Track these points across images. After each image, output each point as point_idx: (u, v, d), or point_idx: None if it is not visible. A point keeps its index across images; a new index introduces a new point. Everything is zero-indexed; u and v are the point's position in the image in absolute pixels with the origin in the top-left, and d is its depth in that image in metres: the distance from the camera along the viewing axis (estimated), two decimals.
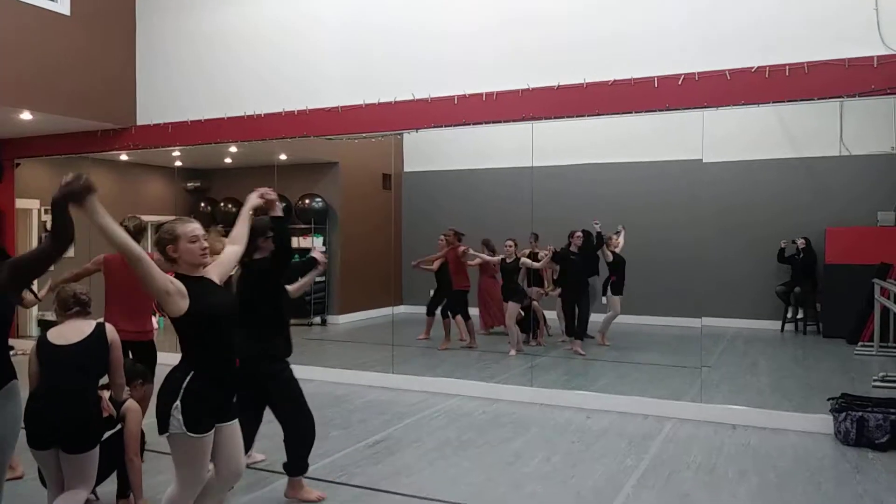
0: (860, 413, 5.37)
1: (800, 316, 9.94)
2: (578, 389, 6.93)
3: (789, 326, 9.94)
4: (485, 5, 7.25)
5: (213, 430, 2.98)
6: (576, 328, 8.76)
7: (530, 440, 5.56)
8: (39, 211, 10.43)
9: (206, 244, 3.03)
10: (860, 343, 8.85)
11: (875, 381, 6.97)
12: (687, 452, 5.25)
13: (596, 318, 9.05)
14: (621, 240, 9.19)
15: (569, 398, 6.68)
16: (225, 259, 3.26)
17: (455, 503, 4.30)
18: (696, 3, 6.37)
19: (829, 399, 5.87)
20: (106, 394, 3.74)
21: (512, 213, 9.50)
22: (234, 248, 3.35)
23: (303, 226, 11.46)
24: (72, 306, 3.68)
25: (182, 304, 2.87)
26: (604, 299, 9.09)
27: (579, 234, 8.77)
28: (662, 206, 10.09)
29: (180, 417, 2.85)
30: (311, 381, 5.95)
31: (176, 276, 2.96)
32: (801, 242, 9.81)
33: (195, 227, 3.03)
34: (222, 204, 12.14)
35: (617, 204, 10.34)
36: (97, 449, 3.45)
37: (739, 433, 5.73)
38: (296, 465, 4.28)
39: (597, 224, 8.92)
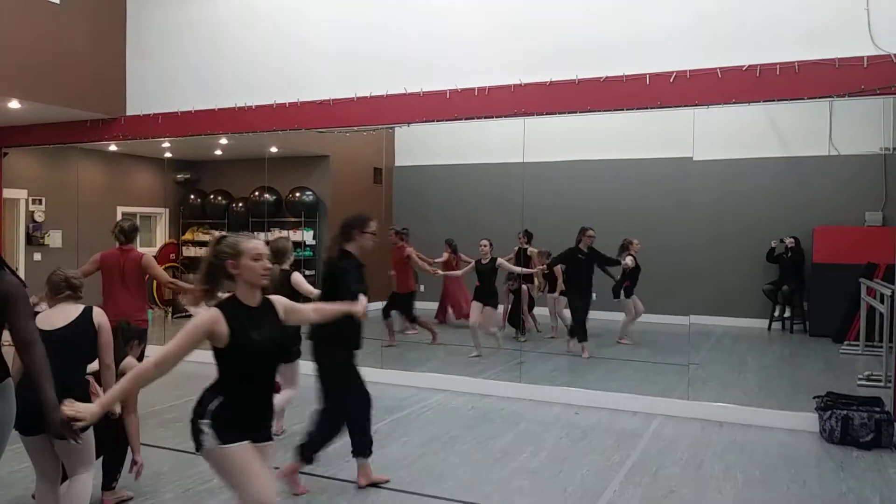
0: (845, 411, 5.41)
1: (787, 315, 10.01)
2: (567, 386, 6.96)
3: (776, 325, 10.01)
4: (478, 1, 7.22)
5: (247, 443, 2.76)
6: (574, 328, 8.48)
7: (518, 435, 5.58)
8: (27, 201, 10.34)
9: (268, 264, 2.85)
10: (846, 342, 8.92)
11: (860, 379, 7.03)
12: (674, 449, 5.28)
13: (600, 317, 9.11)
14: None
15: (557, 394, 6.70)
16: (293, 307, 3.04)
17: (443, 498, 4.31)
18: (688, 2, 6.37)
19: (814, 397, 5.92)
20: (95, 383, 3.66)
21: (503, 209, 9.51)
22: (310, 314, 3.21)
23: (293, 219, 11.43)
24: (63, 290, 3.61)
25: (218, 341, 2.71)
26: (616, 302, 9.01)
27: (591, 232, 8.44)
28: (653, 204, 10.13)
29: (210, 431, 2.70)
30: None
31: (229, 301, 2.78)
32: (789, 241, 9.87)
33: (259, 245, 2.82)
34: (212, 196, 12.09)
35: (607, 200, 10.37)
36: (90, 431, 3.36)
37: (726, 430, 5.76)
38: (303, 450, 4.34)
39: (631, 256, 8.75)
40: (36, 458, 3.41)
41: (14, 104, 8.32)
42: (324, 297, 3.83)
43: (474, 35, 7.15)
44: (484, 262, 8.48)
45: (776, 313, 10.05)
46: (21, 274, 10.22)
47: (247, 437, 2.76)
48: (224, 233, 2.92)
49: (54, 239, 10.39)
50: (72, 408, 2.56)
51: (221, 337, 2.69)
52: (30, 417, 3.16)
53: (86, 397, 3.38)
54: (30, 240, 10.24)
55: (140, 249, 5.87)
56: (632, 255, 8.78)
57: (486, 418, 6.04)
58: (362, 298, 3.72)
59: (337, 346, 4.28)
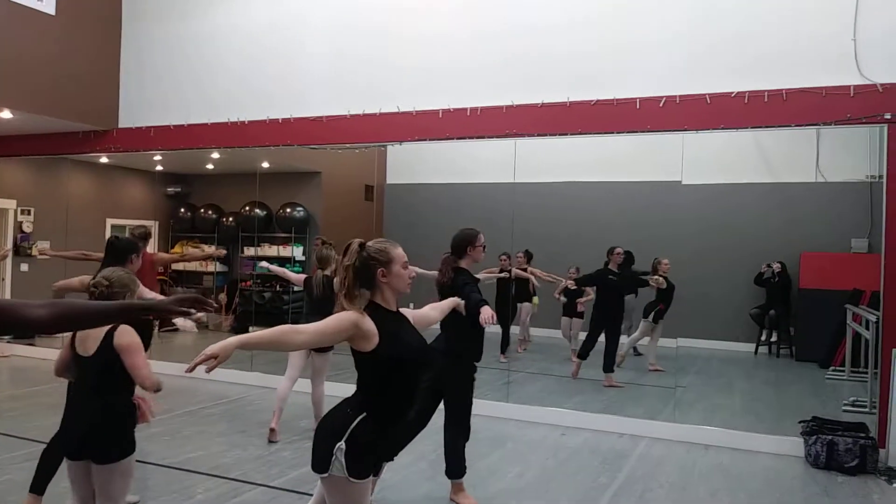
0: (830, 437, 5.44)
1: (773, 339, 10.05)
2: (554, 406, 6.95)
3: (763, 349, 10.04)
4: (472, 22, 7.30)
5: (370, 478, 2.67)
6: (605, 357, 8.12)
7: (505, 455, 5.57)
8: (16, 211, 10.29)
9: (413, 272, 2.80)
10: (832, 367, 8.96)
11: (845, 405, 7.06)
12: (660, 471, 5.29)
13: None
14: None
15: (544, 415, 6.69)
16: (416, 314, 3.03)
17: None
18: (678, 28, 6.47)
19: (800, 422, 5.95)
20: (143, 398, 3.26)
21: (493, 229, 9.50)
22: (431, 313, 3.26)
23: (283, 234, 11.41)
24: (94, 297, 3.17)
25: (366, 344, 2.60)
26: (642, 323, 8.79)
27: (620, 250, 8.21)
28: (641, 226, 10.17)
29: (343, 460, 2.54)
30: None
31: (371, 307, 2.67)
32: (776, 266, 9.94)
33: (403, 252, 2.77)
34: (202, 210, 12.07)
35: (596, 222, 10.42)
36: (128, 466, 3.10)
37: (712, 453, 5.77)
38: (450, 466, 4.46)
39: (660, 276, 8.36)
40: (76, 485, 3.13)
41: (6, 114, 8.31)
42: (447, 319, 3.74)
43: (467, 56, 7.22)
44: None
45: (763, 337, 10.08)
46: (7, 284, 10.18)
47: (373, 468, 2.67)
48: (360, 239, 2.76)
49: (42, 250, 10.34)
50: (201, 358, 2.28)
51: (370, 337, 2.59)
52: (76, 442, 3.05)
53: (133, 419, 3.16)
54: (17, 250, 10.18)
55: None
56: (662, 276, 8.39)
57: (473, 437, 5.97)
58: (486, 308, 3.79)
59: (458, 358, 4.35)
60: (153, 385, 3.04)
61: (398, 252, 2.75)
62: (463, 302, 3.64)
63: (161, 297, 3.45)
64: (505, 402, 7.03)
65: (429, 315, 3.23)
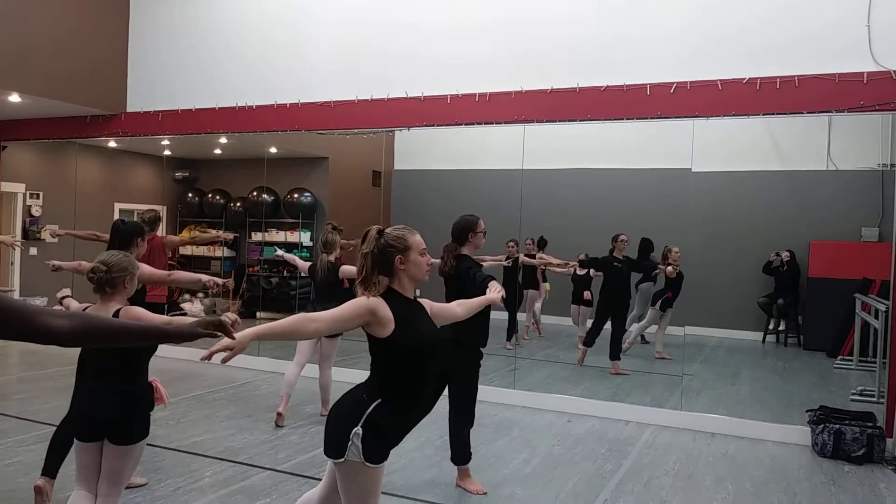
0: (837, 426, 5.42)
1: (781, 328, 10.01)
2: (560, 393, 6.95)
3: (771, 338, 10.01)
4: (481, 6, 7.25)
5: (384, 463, 2.66)
6: (611, 344, 8.12)
7: (511, 442, 5.57)
8: (24, 195, 10.33)
9: (430, 259, 2.79)
10: (840, 357, 8.93)
11: (853, 394, 7.04)
12: (666, 459, 5.28)
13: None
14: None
15: (550, 401, 6.70)
16: (438, 307, 3.00)
17: (433, 503, 4.30)
18: (689, 14, 6.40)
19: (807, 411, 5.93)
20: (159, 384, 3.25)
21: (501, 215, 9.50)
22: (458, 309, 3.20)
23: (290, 220, 11.42)
24: (93, 283, 3.13)
25: (382, 331, 2.60)
26: (650, 311, 8.74)
27: (624, 237, 8.17)
28: (650, 214, 10.12)
29: (360, 445, 2.53)
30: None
31: (388, 294, 2.67)
32: (785, 255, 9.88)
33: (422, 240, 2.77)
34: (210, 195, 12.09)
35: (605, 210, 10.37)
36: (141, 449, 3.12)
37: (718, 441, 5.77)
38: (455, 452, 4.48)
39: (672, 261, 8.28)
40: (83, 466, 3.10)
41: (14, 98, 8.32)
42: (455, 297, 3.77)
43: (476, 41, 7.17)
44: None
45: (771, 326, 10.05)
46: (16, 268, 10.23)
47: (388, 454, 2.66)
48: (378, 226, 2.76)
49: (53, 231, 10.38)
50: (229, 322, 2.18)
51: (385, 324, 2.59)
52: (89, 423, 3.05)
53: (149, 401, 3.16)
54: (26, 234, 10.22)
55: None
56: (672, 265, 8.34)
57: (479, 423, 5.98)
58: (494, 283, 3.72)
59: (464, 344, 4.32)
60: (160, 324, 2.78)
61: (416, 239, 2.74)
62: (494, 300, 3.53)
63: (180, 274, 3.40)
64: (511, 388, 7.03)
65: (454, 311, 3.16)
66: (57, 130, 9.52)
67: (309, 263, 6.22)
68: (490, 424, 6.01)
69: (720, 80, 6.09)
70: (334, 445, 2.60)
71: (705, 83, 6.15)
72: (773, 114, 6.02)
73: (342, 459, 2.56)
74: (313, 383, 6.19)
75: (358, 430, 2.54)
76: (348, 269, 5.67)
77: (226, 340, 2.25)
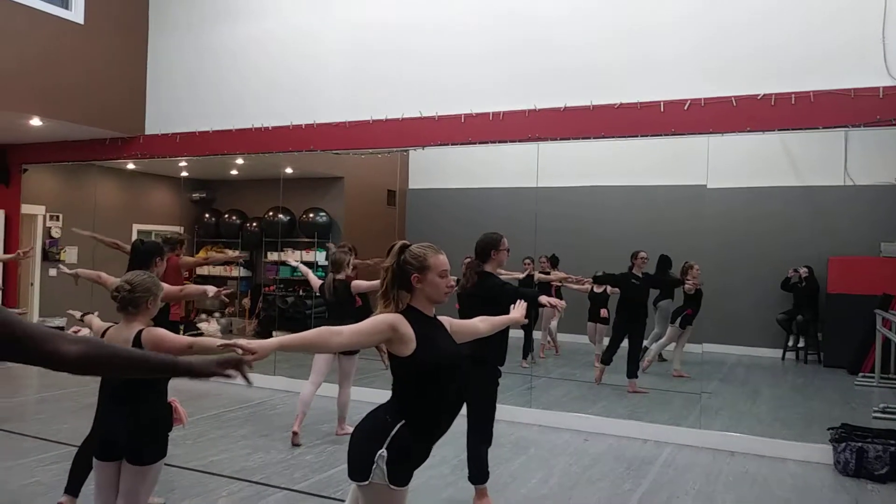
0: (860, 444, 5.33)
1: (801, 345, 9.90)
2: (577, 412, 6.90)
3: (790, 355, 9.89)
4: (494, 26, 7.31)
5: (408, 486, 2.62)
6: (628, 362, 8.04)
7: (528, 461, 5.53)
8: (44, 217, 10.47)
9: (452, 281, 2.73)
10: (861, 373, 8.80)
11: (875, 412, 6.92)
12: (685, 478, 5.22)
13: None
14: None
15: (567, 420, 6.65)
16: (458, 323, 2.95)
17: None
18: (703, 30, 6.42)
19: (828, 429, 5.84)
20: (178, 404, 3.24)
21: (516, 233, 9.47)
22: (481, 325, 3.14)
23: (306, 239, 11.48)
24: (116, 301, 3.11)
25: (404, 349, 2.58)
26: (669, 328, 8.67)
27: (643, 254, 8.12)
28: (665, 231, 10.08)
29: (385, 468, 2.50)
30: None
31: (408, 310, 2.66)
32: (803, 271, 9.79)
33: (445, 260, 2.70)
34: (226, 215, 12.19)
35: (621, 227, 10.34)
36: (159, 469, 3.10)
37: (738, 460, 5.69)
38: (472, 472, 4.46)
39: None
40: (101, 486, 3.09)
41: (35, 121, 8.46)
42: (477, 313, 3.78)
43: (489, 60, 7.22)
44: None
45: (790, 343, 9.94)
46: (36, 289, 10.35)
47: (412, 475, 2.62)
48: (405, 241, 2.76)
49: (70, 255, 10.50)
50: (242, 345, 2.26)
51: (407, 341, 2.57)
52: (107, 442, 3.05)
53: (168, 422, 3.15)
54: (46, 255, 10.34)
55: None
56: (691, 281, 8.29)
57: (496, 443, 5.95)
58: (521, 303, 3.65)
59: (482, 362, 4.31)
60: (183, 345, 2.98)
61: (437, 260, 2.69)
62: (516, 318, 3.48)
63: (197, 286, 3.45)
64: (528, 407, 6.98)
65: (477, 327, 3.11)
66: (76, 153, 9.67)
67: (321, 282, 6.23)
68: (506, 443, 5.97)
69: (734, 97, 6.09)
70: (359, 468, 2.56)
71: (719, 100, 6.14)
72: (788, 129, 6.00)
73: (367, 482, 2.53)
74: (329, 402, 6.19)
75: (383, 452, 2.52)
76: (359, 284, 5.74)
77: (249, 343, 2.32)
